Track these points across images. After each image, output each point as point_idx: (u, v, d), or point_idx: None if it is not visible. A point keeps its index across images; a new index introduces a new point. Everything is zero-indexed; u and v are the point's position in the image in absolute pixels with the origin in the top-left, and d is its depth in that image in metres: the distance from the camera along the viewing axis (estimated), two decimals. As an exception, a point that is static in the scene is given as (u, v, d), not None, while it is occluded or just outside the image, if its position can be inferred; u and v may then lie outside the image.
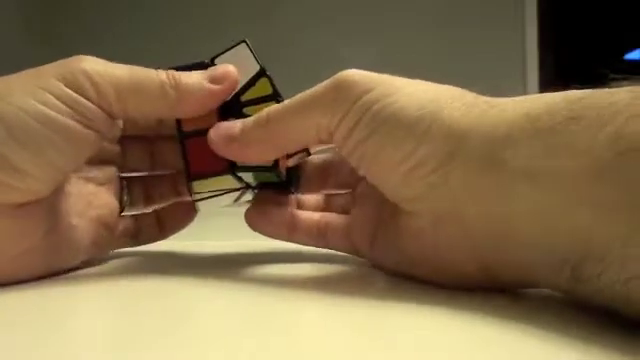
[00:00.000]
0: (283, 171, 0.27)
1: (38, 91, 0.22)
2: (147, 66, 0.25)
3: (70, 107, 0.23)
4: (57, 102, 0.22)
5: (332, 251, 0.30)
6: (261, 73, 0.27)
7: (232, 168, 0.27)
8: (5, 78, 0.23)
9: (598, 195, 0.17)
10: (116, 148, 0.30)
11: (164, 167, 0.31)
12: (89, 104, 0.23)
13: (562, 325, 0.18)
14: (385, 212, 0.26)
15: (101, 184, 0.29)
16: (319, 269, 0.28)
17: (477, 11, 1.93)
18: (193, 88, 0.25)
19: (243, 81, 0.27)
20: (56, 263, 0.25)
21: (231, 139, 0.25)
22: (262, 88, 0.27)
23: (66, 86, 0.23)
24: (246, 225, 0.29)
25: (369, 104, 0.23)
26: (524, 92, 1.81)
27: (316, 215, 0.29)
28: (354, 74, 0.23)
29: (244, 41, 0.27)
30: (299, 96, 0.24)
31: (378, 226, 0.26)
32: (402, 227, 0.24)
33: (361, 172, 0.24)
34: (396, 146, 0.22)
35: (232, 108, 0.27)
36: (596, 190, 0.17)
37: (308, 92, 0.24)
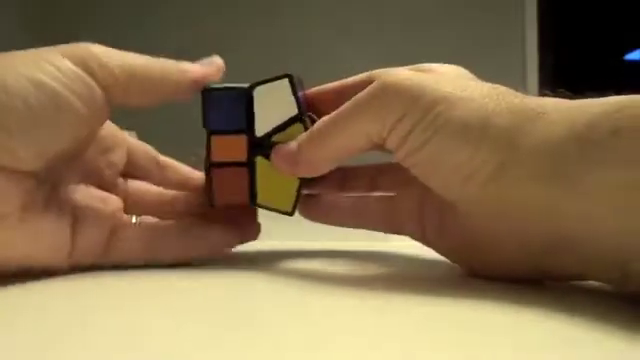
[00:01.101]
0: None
1: (46, 65, 0.23)
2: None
3: (73, 82, 0.23)
4: (61, 77, 0.23)
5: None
6: (297, 118, 0.27)
7: (253, 203, 0.28)
8: (10, 53, 0.24)
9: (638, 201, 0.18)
10: (118, 180, 0.30)
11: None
12: (91, 80, 0.24)
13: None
14: (433, 197, 0.26)
15: (93, 198, 0.28)
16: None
17: (477, 11, 1.93)
18: (189, 67, 0.26)
19: (277, 121, 0.27)
20: (38, 254, 0.24)
21: (295, 160, 0.26)
22: (295, 132, 0.27)
23: (72, 63, 0.24)
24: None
25: (420, 113, 0.23)
26: (524, 92, 1.80)
27: (353, 197, 0.30)
28: (397, 79, 0.24)
29: (289, 76, 0.27)
30: (347, 106, 0.25)
31: (425, 208, 0.27)
32: (456, 220, 0.24)
33: (415, 173, 0.24)
34: (453, 153, 0.23)
35: (262, 145, 0.27)
36: (637, 197, 0.18)
37: (355, 100, 0.24)
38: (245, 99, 0.27)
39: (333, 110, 0.26)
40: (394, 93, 0.23)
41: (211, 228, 0.28)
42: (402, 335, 0.17)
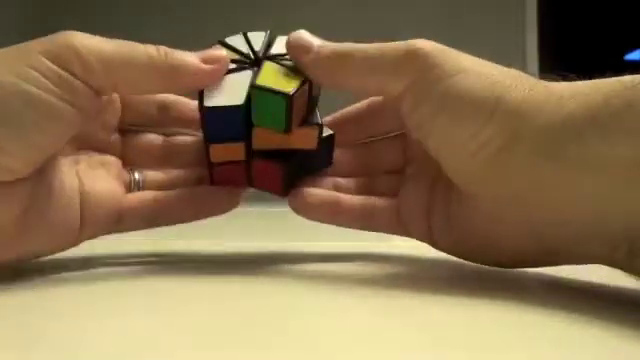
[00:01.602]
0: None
1: (23, 68, 0.22)
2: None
3: (54, 84, 0.22)
4: (41, 78, 0.22)
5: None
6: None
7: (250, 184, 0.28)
8: None
9: None
10: (113, 137, 0.29)
11: (179, 164, 0.30)
12: (74, 80, 0.22)
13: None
14: (440, 192, 0.26)
15: (94, 168, 0.28)
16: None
17: (477, 11, 1.93)
18: (185, 62, 0.25)
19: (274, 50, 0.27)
20: (35, 244, 0.24)
21: (310, 46, 0.25)
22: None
23: (51, 62, 0.22)
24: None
25: (438, 79, 0.23)
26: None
27: (359, 198, 0.29)
28: (425, 44, 0.24)
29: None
30: (374, 50, 0.24)
31: (432, 206, 0.27)
32: (464, 209, 0.24)
33: (426, 146, 0.25)
34: (463, 125, 0.22)
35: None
36: None
37: (382, 48, 0.24)
38: (243, 113, 0.26)
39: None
40: (418, 55, 0.24)
41: (210, 194, 0.29)
42: (403, 335, 0.17)
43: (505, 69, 0.24)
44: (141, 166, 0.30)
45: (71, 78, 0.22)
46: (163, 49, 0.25)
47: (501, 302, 0.20)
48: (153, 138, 0.30)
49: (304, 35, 0.26)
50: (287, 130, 0.26)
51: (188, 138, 0.30)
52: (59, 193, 0.25)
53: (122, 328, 0.18)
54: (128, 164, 0.29)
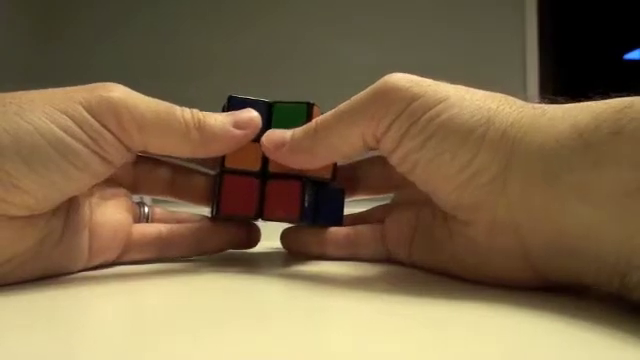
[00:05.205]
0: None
1: (58, 114, 0.22)
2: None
3: (88, 135, 0.22)
4: (75, 128, 0.22)
5: None
6: None
7: (259, 216, 0.28)
8: (31, 94, 0.22)
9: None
10: (126, 172, 0.30)
11: (183, 198, 0.31)
12: (108, 135, 0.23)
13: None
14: (427, 217, 0.26)
15: (105, 199, 0.28)
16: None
17: (477, 12, 1.93)
18: (217, 131, 0.25)
19: None
20: (47, 270, 0.25)
21: (282, 145, 0.26)
22: None
23: (89, 113, 0.22)
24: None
25: (420, 111, 0.23)
26: (524, 92, 1.81)
27: (344, 229, 0.30)
28: (398, 79, 0.23)
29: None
30: (345, 104, 0.25)
31: (418, 229, 0.27)
32: (454, 234, 0.24)
33: (412, 179, 0.24)
34: (453, 154, 0.22)
35: None
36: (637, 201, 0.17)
37: (353, 99, 0.24)
38: (266, 111, 0.27)
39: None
40: (394, 91, 0.23)
41: (216, 233, 0.29)
42: (402, 335, 0.17)
43: (488, 92, 0.23)
44: (149, 194, 0.31)
45: (105, 132, 0.23)
46: (197, 116, 0.25)
47: (503, 303, 0.20)
48: (163, 171, 0.30)
49: (273, 134, 0.27)
50: None
51: (198, 173, 0.31)
52: (73, 224, 0.25)
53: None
54: (136, 192, 0.30)
